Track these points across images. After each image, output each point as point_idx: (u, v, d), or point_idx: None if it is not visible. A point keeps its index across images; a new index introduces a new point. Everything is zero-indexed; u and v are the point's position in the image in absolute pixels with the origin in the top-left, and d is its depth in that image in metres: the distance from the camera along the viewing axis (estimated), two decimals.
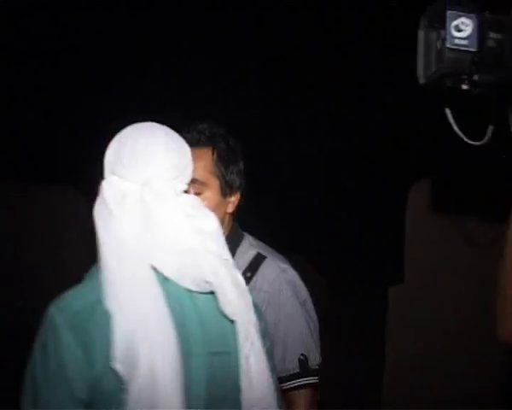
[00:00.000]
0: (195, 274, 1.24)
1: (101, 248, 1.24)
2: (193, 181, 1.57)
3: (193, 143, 1.62)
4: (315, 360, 1.80)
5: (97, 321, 1.18)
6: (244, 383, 1.28)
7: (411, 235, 3.66)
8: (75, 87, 7.16)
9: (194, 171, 1.56)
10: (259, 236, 1.91)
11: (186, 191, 1.37)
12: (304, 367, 1.77)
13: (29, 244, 4.54)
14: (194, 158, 1.55)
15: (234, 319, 1.26)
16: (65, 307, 1.22)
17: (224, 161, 1.74)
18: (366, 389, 4.23)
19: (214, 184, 1.73)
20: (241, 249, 1.81)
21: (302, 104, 8.47)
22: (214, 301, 1.26)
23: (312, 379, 1.79)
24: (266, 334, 1.38)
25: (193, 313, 1.26)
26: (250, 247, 1.82)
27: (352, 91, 8.03)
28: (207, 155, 1.73)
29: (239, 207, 1.80)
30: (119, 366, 1.14)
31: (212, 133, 1.76)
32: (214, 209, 1.62)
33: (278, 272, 1.79)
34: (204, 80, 7.51)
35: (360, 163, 8.84)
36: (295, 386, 1.78)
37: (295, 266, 1.88)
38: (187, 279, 1.24)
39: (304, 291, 1.84)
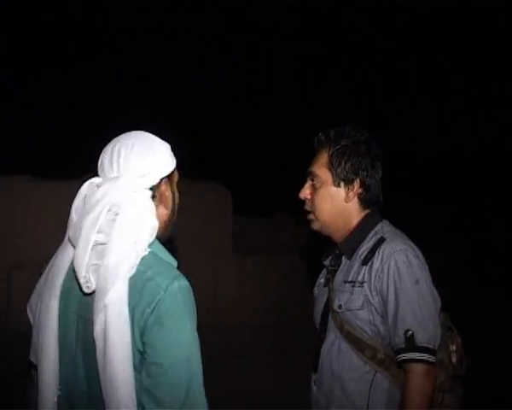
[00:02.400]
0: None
1: None
2: (312, 174, 2.04)
3: (317, 144, 2.06)
4: (423, 337, 1.80)
5: None
6: (98, 347, 1.42)
7: None
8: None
9: (314, 164, 2.04)
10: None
11: None
12: (409, 343, 1.79)
13: None
14: (317, 154, 2.05)
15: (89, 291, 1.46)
16: None
17: (337, 159, 1.99)
18: None
19: (328, 176, 2.01)
20: (371, 234, 1.98)
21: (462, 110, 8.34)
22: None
23: (420, 355, 1.79)
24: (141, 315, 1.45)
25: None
26: (378, 232, 1.97)
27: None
28: (325, 153, 2.02)
29: (366, 200, 2.01)
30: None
31: (332, 136, 2.02)
32: (330, 197, 2.02)
33: (392, 253, 1.87)
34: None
35: None
36: (402, 360, 1.81)
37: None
38: None
39: (418, 271, 1.87)
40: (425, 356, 1.79)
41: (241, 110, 9.29)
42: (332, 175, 1.99)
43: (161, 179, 1.55)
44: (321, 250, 2.18)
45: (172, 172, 1.60)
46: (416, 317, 1.81)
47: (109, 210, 1.48)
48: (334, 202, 1.99)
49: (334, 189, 1.99)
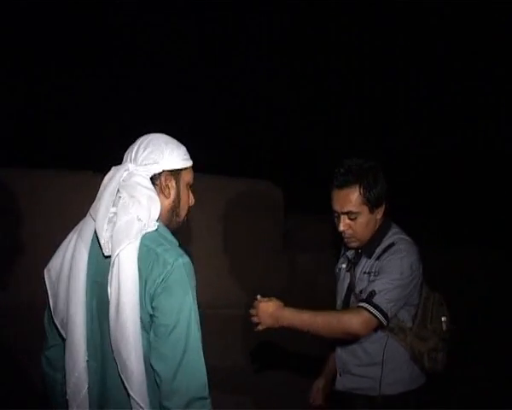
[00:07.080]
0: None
1: None
2: (348, 213, 2.54)
3: (343, 184, 2.52)
4: (379, 299, 2.44)
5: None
6: (111, 311, 1.76)
7: None
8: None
9: (349, 204, 2.51)
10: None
11: (340, 215, 2.47)
12: (369, 298, 2.47)
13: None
14: (347, 195, 2.51)
15: (108, 252, 1.81)
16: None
17: (368, 190, 2.51)
18: None
19: (364, 209, 2.56)
20: (386, 237, 2.63)
21: None
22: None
23: (370, 308, 2.45)
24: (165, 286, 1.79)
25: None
26: (390, 237, 2.61)
27: None
28: (355, 190, 2.53)
29: (386, 212, 2.62)
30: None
31: (357, 171, 2.51)
32: (368, 222, 2.57)
33: (394, 252, 2.53)
34: None
35: None
36: (358, 306, 2.49)
37: None
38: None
39: (407, 268, 2.50)
40: (375, 312, 2.46)
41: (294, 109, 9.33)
42: (367, 206, 2.55)
43: (163, 171, 1.90)
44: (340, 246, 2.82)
45: (179, 171, 1.87)
46: (385, 290, 2.47)
47: (118, 190, 1.85)
48: (371, 224, 2.60)
49: (370, 215, 2.59)
